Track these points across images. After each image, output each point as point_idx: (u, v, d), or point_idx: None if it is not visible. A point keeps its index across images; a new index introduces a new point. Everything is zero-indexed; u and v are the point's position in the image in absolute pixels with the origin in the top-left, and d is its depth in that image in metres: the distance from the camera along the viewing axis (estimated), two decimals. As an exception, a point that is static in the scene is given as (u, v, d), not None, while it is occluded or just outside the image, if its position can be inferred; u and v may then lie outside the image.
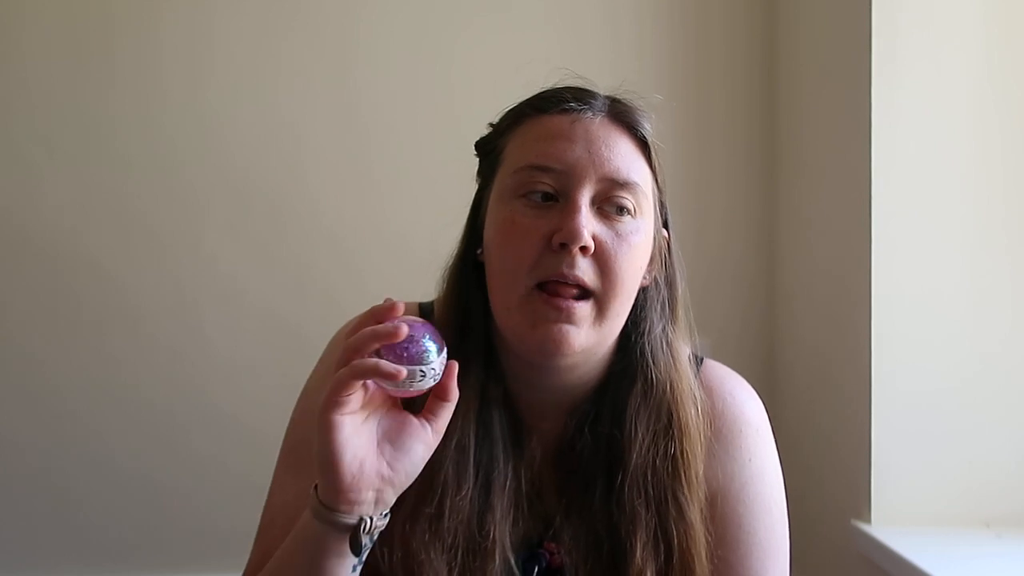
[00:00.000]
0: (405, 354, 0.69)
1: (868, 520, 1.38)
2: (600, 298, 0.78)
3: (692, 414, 0.83)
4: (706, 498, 0.83)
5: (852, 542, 1.41)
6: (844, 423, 1.47)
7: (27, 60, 1.71)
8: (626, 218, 0.79)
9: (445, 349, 0.72)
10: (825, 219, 1.57)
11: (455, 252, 0.87)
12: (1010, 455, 1.39)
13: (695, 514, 0.81)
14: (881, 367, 1.38)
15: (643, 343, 0.84)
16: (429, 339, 0.71)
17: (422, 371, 0.69)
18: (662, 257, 0.86)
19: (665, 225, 0.87)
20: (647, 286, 0.85)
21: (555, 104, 0.82)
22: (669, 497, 0.81)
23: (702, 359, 0.91)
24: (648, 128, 0.83)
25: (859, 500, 1.40)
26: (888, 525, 1.36)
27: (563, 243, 0.76)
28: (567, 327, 0.76)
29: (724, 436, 0.86)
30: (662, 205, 0.85)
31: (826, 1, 1.57)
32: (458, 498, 0.80)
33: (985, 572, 1.25)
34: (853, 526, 1.40)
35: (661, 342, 0.85)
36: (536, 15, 1.75)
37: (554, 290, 0.77)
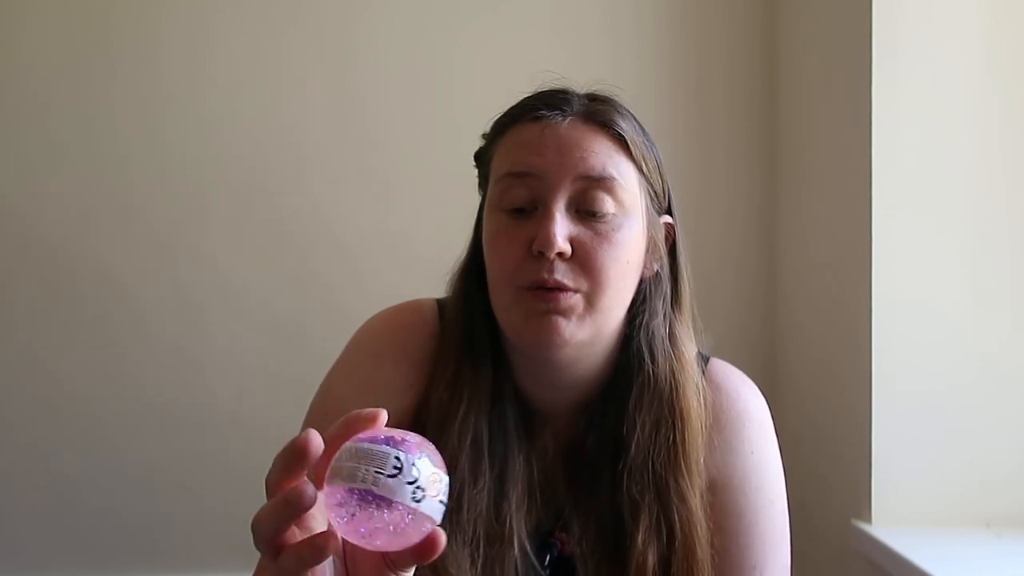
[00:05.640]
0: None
1: (868, 520, 1.38)
2: (587, 295, 0.79)
3: (694, 404, 0.84)
4: (707, 487, 0.85)
5: (852, 542, 1.40)
6: (844, 423, 1.47)
7: (27, 60, 1.70)
8: (607, 215, 0.79)
9: (445, 474, 0.53)
10: (825, 219, 1.57)
11: (463, 257, 0.90)
12: (1010, 455, 1.38)
13: (696, 501, 0.83)
14: (881, 367, 1.38)
15: (642, 335, 0.85)
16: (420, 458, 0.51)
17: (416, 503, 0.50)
18: (661, 247, 0.86)
19: (670, 213, 0.88)
20: (649, 276, 0.86)
21: (527, 112, 0.83)
22: (671, 483, 0.82)
23: (708, 358, 0.92)
24: (622, 123, 0.82)
25: (859, 500, 1.40)
26: (888, 525, 1.36)
27: (540, 251, 0.77)
28: (557, 317, 0.78)
29: (727, 429, 0.87)
30: (655, 196, 0.85)
31: (826, 1, 1.57)
32: (475, 491, 0.82)
33: (985, 572, 1.25)
34: (853, 526, 1.40)
35: (663, 332, 0.86)
36: (536, 15, 1.75)
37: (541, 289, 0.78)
